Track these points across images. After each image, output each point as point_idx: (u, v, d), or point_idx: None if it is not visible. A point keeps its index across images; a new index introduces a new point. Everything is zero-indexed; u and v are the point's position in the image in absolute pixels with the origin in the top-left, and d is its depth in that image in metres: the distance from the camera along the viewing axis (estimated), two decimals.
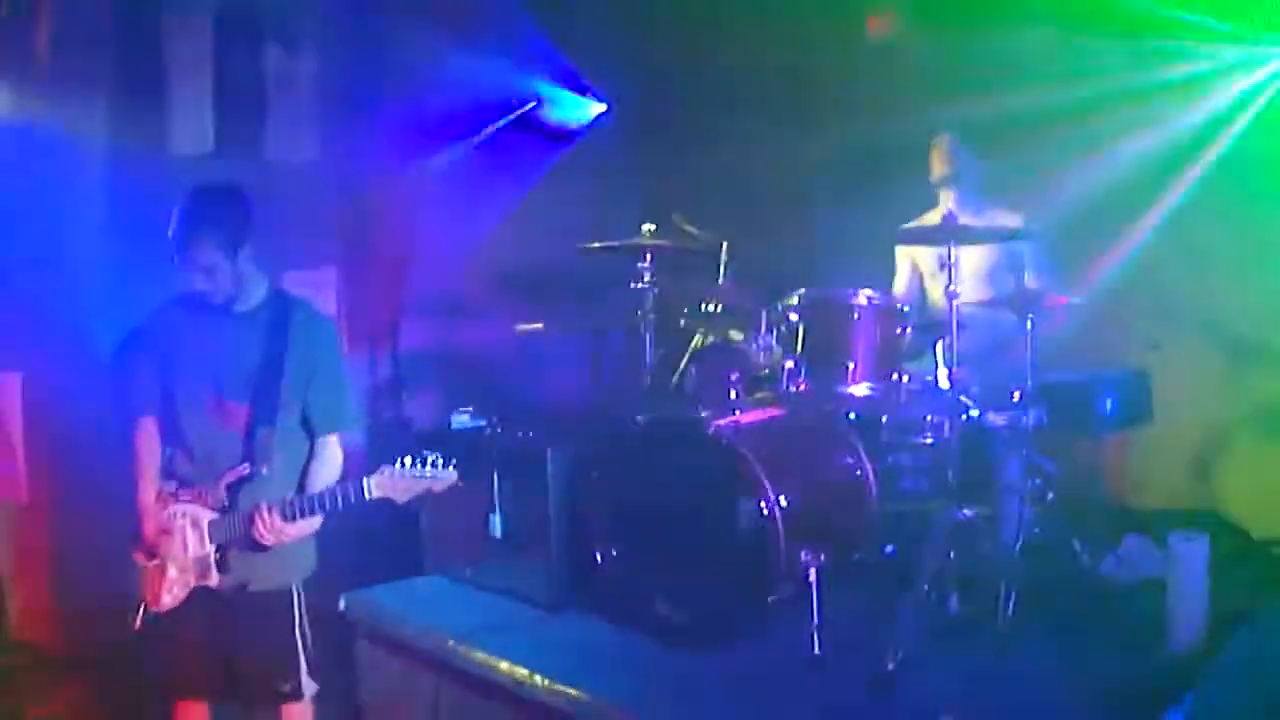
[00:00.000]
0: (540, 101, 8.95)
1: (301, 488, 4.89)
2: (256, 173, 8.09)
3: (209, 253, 4.73)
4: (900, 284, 7.07)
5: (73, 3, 7.31)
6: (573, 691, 5.25)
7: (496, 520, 6.40)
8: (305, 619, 5.05)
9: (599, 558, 6.06)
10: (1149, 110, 6.93)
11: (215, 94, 8.05)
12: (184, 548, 4.83)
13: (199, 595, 4.87)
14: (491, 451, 6.46)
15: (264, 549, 4.77)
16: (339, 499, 4.75)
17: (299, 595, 5.03)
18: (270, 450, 4.81)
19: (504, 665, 5.58)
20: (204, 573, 4.83)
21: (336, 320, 5.10)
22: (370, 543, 7.60)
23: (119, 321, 5.35)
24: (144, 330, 5.10)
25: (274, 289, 5.01)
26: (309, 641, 5.06)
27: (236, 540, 4.81)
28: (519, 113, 8.89)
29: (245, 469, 4.80)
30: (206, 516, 4.82)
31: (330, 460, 4.99)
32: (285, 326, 4.89)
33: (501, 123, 8.78)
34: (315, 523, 4.88)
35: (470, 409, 6.99)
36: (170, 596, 4.87)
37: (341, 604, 6.53)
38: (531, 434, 6.48)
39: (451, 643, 5.91)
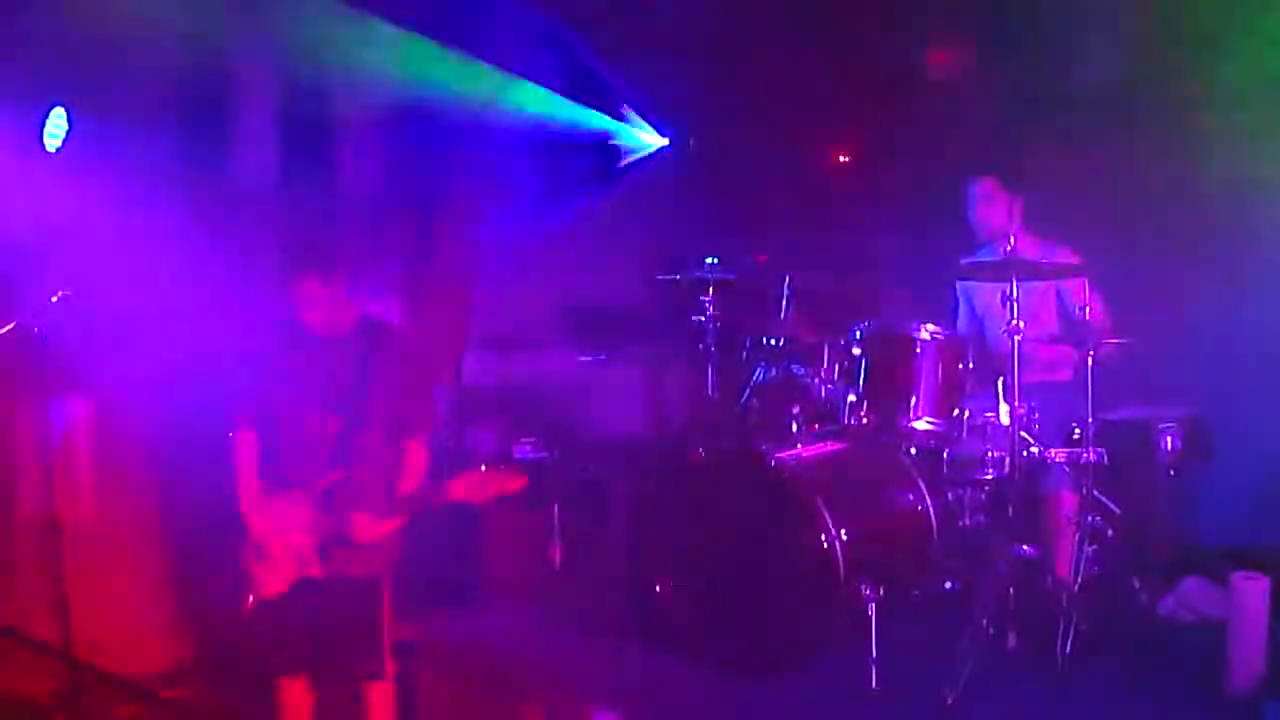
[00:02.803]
0: (605, 135, 8.99)
1: (390, 489, 5.31)
2: (321, 204, 8.18)
3: (314, 288, 5.31)
4: (961, 320, 7.06)
5: (141, 33, 7.40)
6: None
7: (557, 550, 6.44)
8: (390, 605, 5.46)
9: (658, 588, 6.08)
10: (1209, 147, 6.91)
11: (281, 124, 8.13)
12: (290, 541, 5.23)
13: (300, 583, 5.27)
14: (553, 482, 6.50)
15: (359, 543, 5.19)
16: (422, 499, 5.21)
17: (386, 583, 5.43)
18: (362, 455, 5.28)
19: (562, 695, 5.61)
20: (307, 563, 5.22)
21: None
22: (432, 571, 7.65)
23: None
24: (244, 351, 5.60)
25: (363, 314, 5.48)
26: (392, 625, 5.48)
27: (336, 535, 5.18)
28: (583, 145, 8.93)
29: (342, 473, 5.22)
30: (310, 514, 5.21)
31: (415, 462, 5.40)
32: (374, 347, 5.37)
33: (565, 154, 8.81)
34: (403, 520, 5.26)
35: (532, 440, 7.05)
36: (277, 584, 5.27)
37: (402, 631, 6.58)
38: (593, 465, 6.53)
39: (510, 671, 5.95)
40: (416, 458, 5.42)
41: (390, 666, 5.50)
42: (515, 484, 5.00)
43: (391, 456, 5.39)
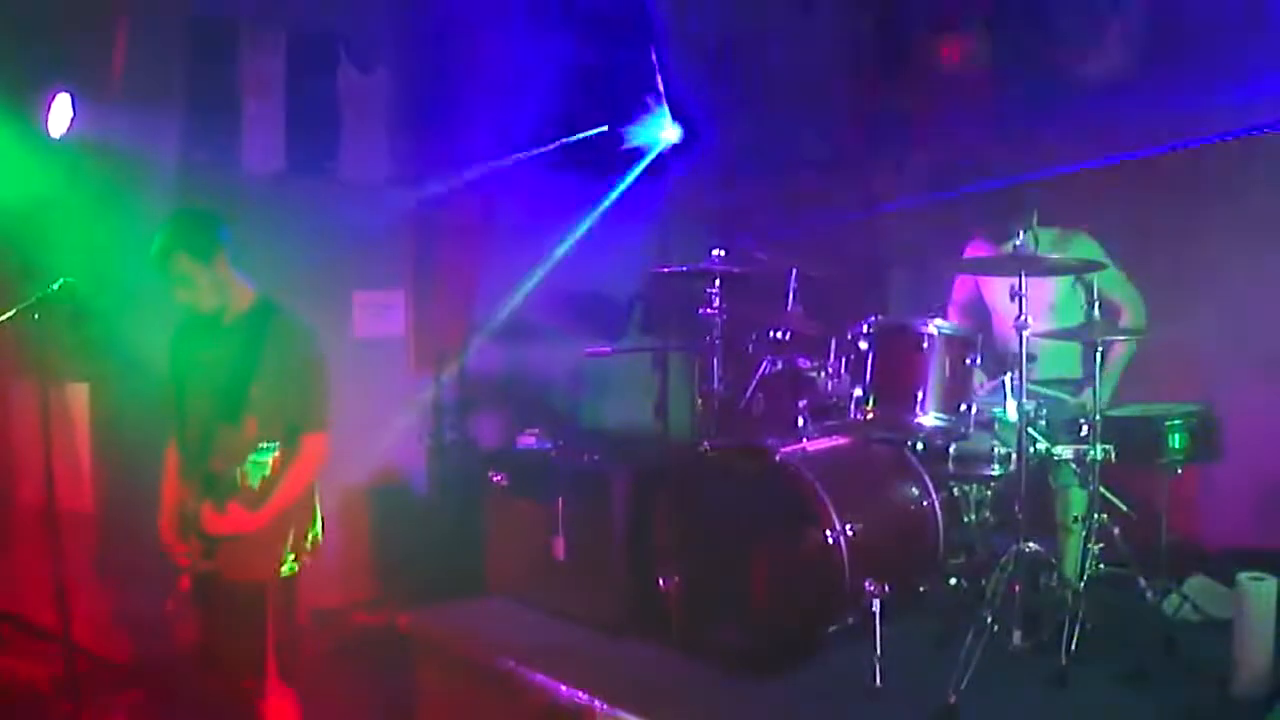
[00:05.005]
0: (613, 124, 8.94)
1: (253, 487, 4.99)
2: (329, 193, 8.15)
3: (183, 266, 4.98)
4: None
5: (148, 20, 7.37)
6: (633, 717, 5.26)
7: (560, 542, 6.40)
8: (280, 616, 5.14)
9: (662, 583, 6.05)
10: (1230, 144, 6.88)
11: (289, 113, 8.09)
12: (185, 538, 5.08)
13: (198, 581, 5.13)
14: (556, 473, 6.47)
15: (231, 538, 4.96)
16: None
17: (272, 590, 5.11)
18: (233, 447, 4.96)
19: (564, 689, 5.59)
20: (196, 558, 5.06)
21: (315, 331, 5.23)
22: (432, 563, 7.64)
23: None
24: (169, 348, 5.37)
25: (261, 299, 5.18)
26: (284, 641, 5.16)
27: (199, 529, 4.99)
28: (591, 134, 8.89)
29: (212, 465, 4.98)
30: (192, 508, 5.01)
31: (303, 457, 5.07)
32: (263, 333, 5.00)
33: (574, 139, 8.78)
34: (263, 517, 4.98)
35: (536, 431, 7.02)
36: (185, 581, 5.17)
37: (403, 623, 6.56)
38: (597, 457, 6.50)
39: (512, 664, 5.92)
40: (307, 451, 5.06)
41: (274, 682, 5.12)
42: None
43: (274, 448, 5.04)
